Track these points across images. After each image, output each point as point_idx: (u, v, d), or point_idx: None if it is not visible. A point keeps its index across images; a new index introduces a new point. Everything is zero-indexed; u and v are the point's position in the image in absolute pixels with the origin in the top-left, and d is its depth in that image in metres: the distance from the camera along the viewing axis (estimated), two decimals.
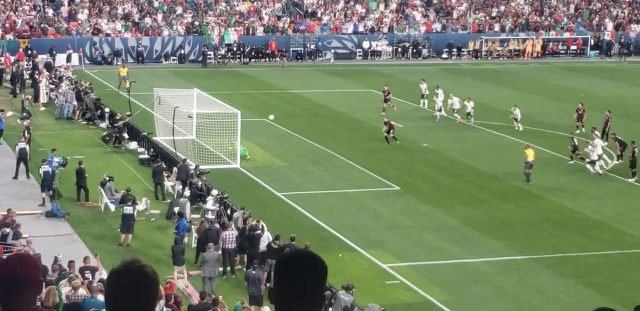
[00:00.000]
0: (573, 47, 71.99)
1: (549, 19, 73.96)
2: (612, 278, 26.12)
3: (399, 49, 68.75)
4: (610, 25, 74.02)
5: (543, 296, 24.62)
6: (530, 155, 35.58)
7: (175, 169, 33.76)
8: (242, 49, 64.88)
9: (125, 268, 4.02)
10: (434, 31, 70.82)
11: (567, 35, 72.26)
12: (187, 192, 31.05)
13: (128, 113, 41.96)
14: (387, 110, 46.31)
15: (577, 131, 42.87)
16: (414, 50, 68.82)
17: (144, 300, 4.00)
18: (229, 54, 64.42)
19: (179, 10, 68.27)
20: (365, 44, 67.92)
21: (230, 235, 26.14)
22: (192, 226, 28.53)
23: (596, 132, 38.81)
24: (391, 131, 40.96)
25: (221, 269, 25.84)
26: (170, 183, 33.70)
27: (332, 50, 67.05)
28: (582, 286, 25.33)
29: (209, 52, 63.22)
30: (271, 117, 43.01)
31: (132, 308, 3.97)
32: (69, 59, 59.79)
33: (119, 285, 4.00)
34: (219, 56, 63.83)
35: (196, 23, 66.43)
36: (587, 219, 31.70)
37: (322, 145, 40.89)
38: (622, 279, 25.59)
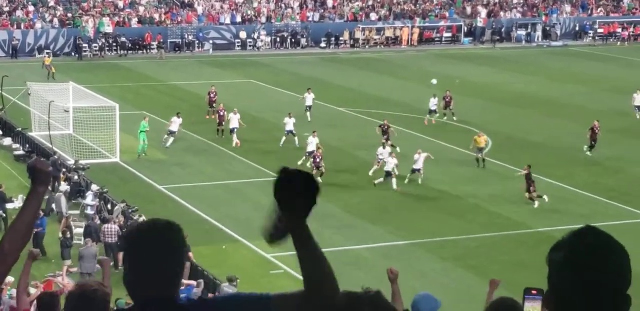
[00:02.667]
0: (447, 35, 73.46)
1: (423, 6, 75.22)
2: (489, 260, 26.88)
3: (278, 39, 68.89)
4: (484, 12, 75.80)
5: (424, 280, 25.15)
6: (480, 141, 36.30)
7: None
8: (117, 41, 63.85)
9: (81, 291, 4.64)
10: (310, 20, 71.17)
11: (442, 23, 73.68)
12: (64, 187, 30.52)
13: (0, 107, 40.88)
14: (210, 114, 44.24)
15: (445, 118, 43.78)
16: (293, 40, 69.07)
17: None
18: (106, 46, 63.33)
19: (52, 2, 66.72)
20: (243, 34, 67.80)
21: (110, 229, 25.84)
22: (72, 222, 28.06)
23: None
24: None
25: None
26: None
27: (211, 41, 66.70)
28: (462, 269, 26.00)
29: (84, 45, 62.03)
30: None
31: None
32: None
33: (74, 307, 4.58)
34: (95, 49, 62.73)
35: (69, 15, 65.08)
36: (464, 203, 32.50)
37: (202, 136, 40.72)
38: (499, 261, 26.37)
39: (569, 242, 3.16)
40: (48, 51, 59.78)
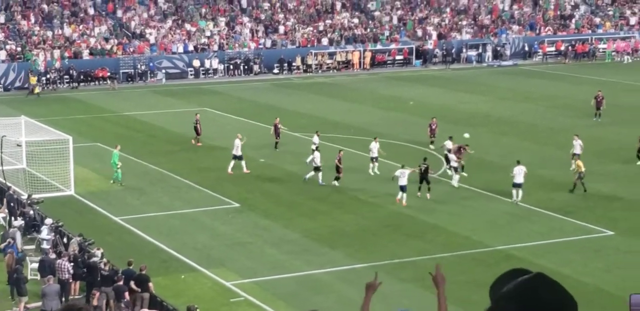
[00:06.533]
0: (399, 57, 74.02)
1: (374, 30, 75.80)
2: (448, 280, 26.53)
3: (231, 66, 68.98)
4: (434, 34, 76.53)
5: (384, 302, 25.11)
6: (581, 165, 36.20)
7: (5, 200, 32.79)
8: (70, 73, 63.49)
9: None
10: (262, 47, 71.31)
11: (393, 45, 74.25)
12: (18, 222, 30.19)
13: None
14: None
15: (432, 146, 43.09)
16: (246, 67, 69.22)
17: None
18: (57, 79, 62.89)
19: (1, 36, 66.25)
20: (196, 63, 67.82)
21: (62, 265, 25.51)
22: (27, 257, 27.77)
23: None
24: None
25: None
26: (1, 215, 32.70)
27: (163, 70, 66.61)
28: (421, 290, 26.01)
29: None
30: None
31: None
32: None
33: None
34: (44, 82, 62.23)
35: (18, 49, 64.60)
36: (422, 223, 32.65)
37: (158, 166, 40.56)
38: (456, 280, 26.38)
39: (521, 294, 3.18)
40: (31, 70, 61.35)
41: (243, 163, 39.24)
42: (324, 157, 37.99)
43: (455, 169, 37.44)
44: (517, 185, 35.02)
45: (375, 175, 38.63)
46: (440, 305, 6.26)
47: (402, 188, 34.72)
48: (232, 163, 39.26)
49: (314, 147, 40.27)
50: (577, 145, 39.37)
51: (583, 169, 36.18)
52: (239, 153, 39.31)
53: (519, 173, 35.00)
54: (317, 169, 37.43)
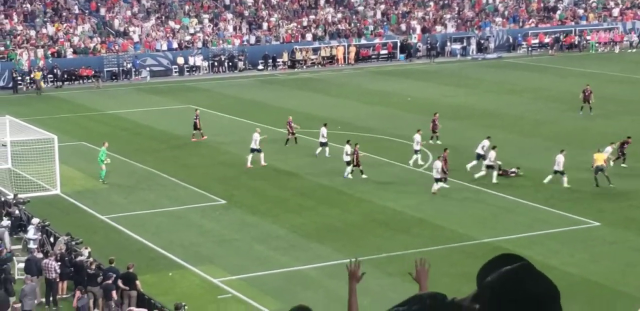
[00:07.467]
0: (384, 52, 74.03)
1: (358, 25, 75.80)
2: (437, 273, 26.80)
3: (215, 63, 68.86)
4: (418, 28, 76.58)
5: (372, 296, 25.15)
6: (599, 159, 35.94)
7: None
8: (54, 72, 63.25)
9: None
10: (246, 43, 71.21)
11: (377, 40, 74.27)
12: (5, 222, 30.09)
13: None
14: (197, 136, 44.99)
15: (431, 141, 42.54)
16: (230, 64, 69.11)
17: None
18: (42, 77, 62.61)
19: None
20: (180, 60, 67.67)
21: (48, 264, 25.43)
22: (14, 257, 27.68)
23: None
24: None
25: (43, 299, 25.14)
26: None
27: (148, 68, 66.43)
28: (409, 284, 25.82)
29: (19, 78, 61.36)
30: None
31: None
32: None
33: None
34: (29, 81, 61.98)
35: (2, 48, 64.32)
36: (409, 218, 32.68)
37: (144, 164, 40.48)
38: (447, 273, 26.47)
39: (505, 285, 3.14)
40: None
41: (262, 155, 39.64)
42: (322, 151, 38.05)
43: (492, 167, 37.05)
44: (559, 172, 35.81)
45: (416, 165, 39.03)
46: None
47: (437, 180, 35.26)
48: (250, 156, 39.60)
49: (323, 140, 40.69)
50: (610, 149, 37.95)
51: (599, 163, 35.90)
52: (257, 146, 39.65)
53: (560, 161, 35.64)
54: (348, 163, 37.64)
